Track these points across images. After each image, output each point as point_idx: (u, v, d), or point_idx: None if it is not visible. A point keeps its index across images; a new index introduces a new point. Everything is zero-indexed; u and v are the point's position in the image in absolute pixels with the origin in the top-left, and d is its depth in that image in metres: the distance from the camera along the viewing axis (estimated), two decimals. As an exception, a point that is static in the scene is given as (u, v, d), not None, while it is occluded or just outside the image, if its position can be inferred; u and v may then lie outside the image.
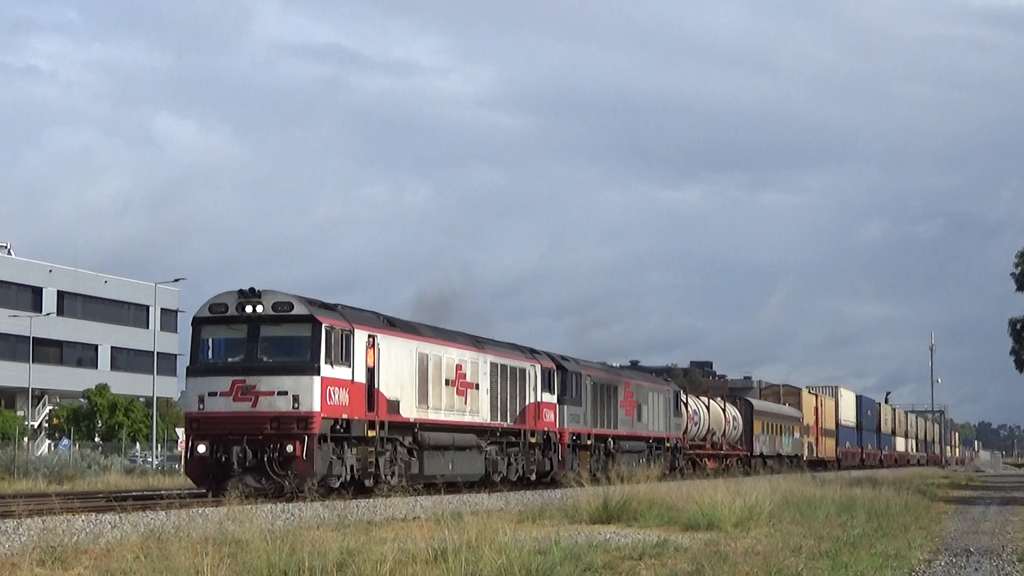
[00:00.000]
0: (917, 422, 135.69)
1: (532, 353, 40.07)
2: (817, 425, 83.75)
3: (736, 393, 76.75)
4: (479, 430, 35.09)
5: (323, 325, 27.59)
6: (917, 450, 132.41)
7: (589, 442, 43.21)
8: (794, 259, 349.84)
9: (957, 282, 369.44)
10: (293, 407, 26.91)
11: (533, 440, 38.76)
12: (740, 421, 65.40)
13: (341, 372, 28.04)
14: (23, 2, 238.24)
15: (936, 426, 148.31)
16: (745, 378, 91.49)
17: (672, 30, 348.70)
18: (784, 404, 78.57)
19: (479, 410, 35.14)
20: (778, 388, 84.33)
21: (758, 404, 71.14)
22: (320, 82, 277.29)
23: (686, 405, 56.45)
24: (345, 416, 28.02)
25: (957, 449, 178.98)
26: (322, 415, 27.10)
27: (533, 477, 38.73)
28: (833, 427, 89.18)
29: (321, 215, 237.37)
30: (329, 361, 27.58)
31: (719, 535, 21.53)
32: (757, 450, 67.26)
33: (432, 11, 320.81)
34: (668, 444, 52.16)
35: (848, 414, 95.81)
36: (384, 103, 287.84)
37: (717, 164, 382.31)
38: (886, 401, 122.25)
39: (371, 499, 26.80)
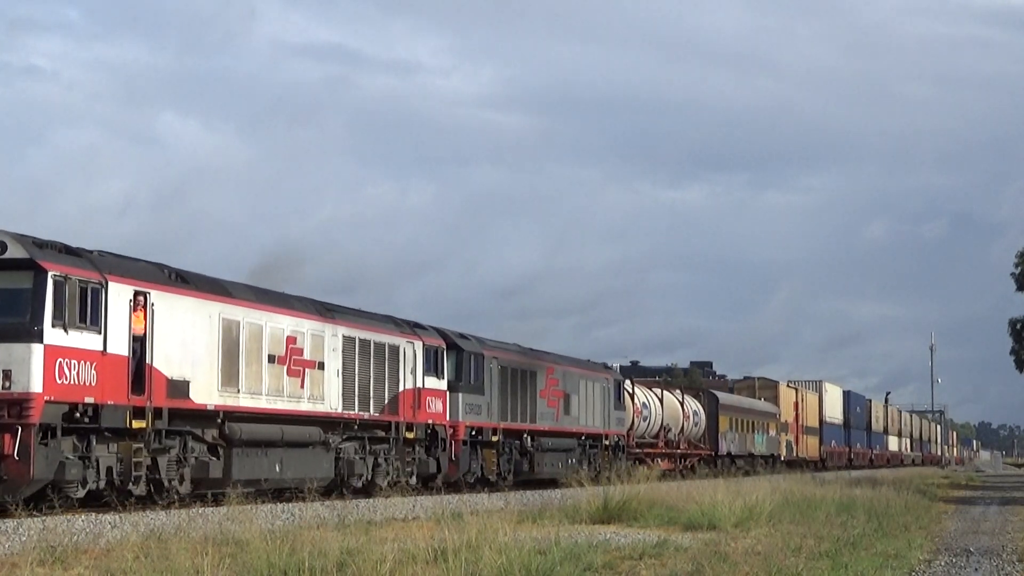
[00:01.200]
0: (912, 420, 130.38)
1: (413, 328, 32.81)
2: (797, 422, 76.94)
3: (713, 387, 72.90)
4: (327, 422, 27.92)
5: (50, 274, 20.53)
6: (912, 450, 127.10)
7: (496, 438, 36.28)
8: (796, 259, 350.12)
9: (959, 282, 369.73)
10: (3, 386, 20.09)
11: (412, 435, 31.39)
12: (702, 416, 58.73)
13: (84, 340, 21.08)
14: (23, 1, 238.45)
15: (933, 425, 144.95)
16: (745, 378, 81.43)
17: (674, 30, 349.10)
18: (759, 399, 71.70)
19: (325, 396, 27.70)
20: (753, 381, 76.77)
21: (725, 398, 64.40)
22: (322, 82, 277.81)
23: (632, 397, 49.48)
24: (91, 400, 21.10)
25: (955, 449, 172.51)
26: (46, 397, 20.20)
27: (414, 480, 31.21)
28: (816, 424, 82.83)
29: (325, 215, 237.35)
30: (62, 323, 20.58)
31: (719, 535, 21.52)
32: (723, 449, 60.51)
33: (433, 10, 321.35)
34: (607, 442, 45.10)
35: (834, 411, 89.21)
36: (387, 103, 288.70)
37: (719, 164, 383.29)
38: (886, 401, 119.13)
39: (371, 499, 26.79)
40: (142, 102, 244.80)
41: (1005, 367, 60.89)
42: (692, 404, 57.78)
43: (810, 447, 79.62)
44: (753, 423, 66.45)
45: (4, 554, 16.40)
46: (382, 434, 30.42)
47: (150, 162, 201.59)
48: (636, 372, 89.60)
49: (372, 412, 29.75)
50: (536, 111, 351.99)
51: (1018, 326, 58.66)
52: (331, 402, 28.04)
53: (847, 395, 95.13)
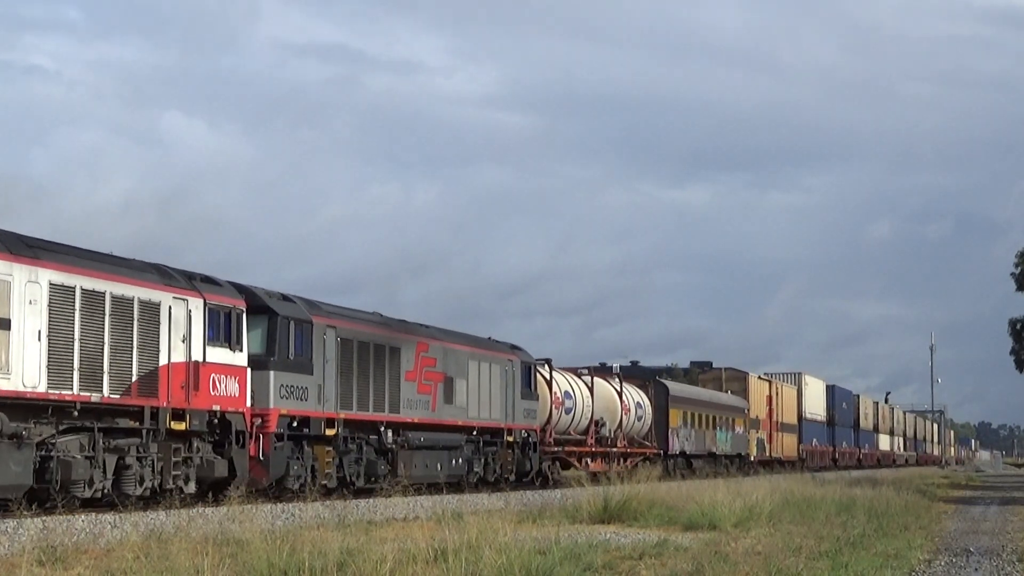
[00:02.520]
0: (906, 418, 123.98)
1: (191, 280, 24.75)
2: (771, 418, 69.23)
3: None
4: (19, 405, 20.11)
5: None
6: (906, 449, 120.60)
7: (332, 432, 28.10)
8: (798, 258, 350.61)
9: (961, 282, 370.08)
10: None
11: (182, 426, 23.61)
12: (648, 410, 50.32)
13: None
14: (24, 1, 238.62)
15: (928, 423, 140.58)
16: (710, 368, 74.60)
17: (676, 29, 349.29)
18: (726, 391, 64.28)
19: (11, 368, 19.80)
20: (719, 372, 68.11)
21: (677, 388, 56.24)
22: (326, 82, 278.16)
23: (549, 384, 40.96)
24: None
25: (953, 448, 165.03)
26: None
27: (192, 488, 23.84)
28: (795, 421, 75.24)
29: (329, 215, 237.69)
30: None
31: (719, 535, 21.53)
32: (675, 447, 52.49)
33: (435, 10, 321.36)
34: (511, 438, 37.20)
35: (815, 406, 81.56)
36: (390, 102, 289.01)
37: (721, 164, 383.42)
38: (886, 401, 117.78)
39: (371, 499, 26.80)
40: (145, 102, 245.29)
41: (1005, 367, 60.95)
42: (634, 395, 49.22)
43: (787, 446, 72.72)
44: (715, 418, 58.61)
45: (4, 554, 16.40)
46: (132, 424, 22.62)
47: (154, 162, 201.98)
48: (635, 372, 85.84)
49: (106, 393, 21.80)
50: (538, 110, 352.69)
51: (1018, 326, 58.67)
52: (25, 377, 20.12)
53: (831, 390, 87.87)
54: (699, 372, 68.61)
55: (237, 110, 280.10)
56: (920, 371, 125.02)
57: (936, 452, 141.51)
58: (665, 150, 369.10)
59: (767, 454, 67.92)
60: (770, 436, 68.79)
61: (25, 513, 18.43)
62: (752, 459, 63.65)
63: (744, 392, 65.44)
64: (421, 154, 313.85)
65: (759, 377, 69.40)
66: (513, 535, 16.26)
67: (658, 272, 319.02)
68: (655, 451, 50.09)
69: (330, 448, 28.32)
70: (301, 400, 27.12)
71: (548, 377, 41.07)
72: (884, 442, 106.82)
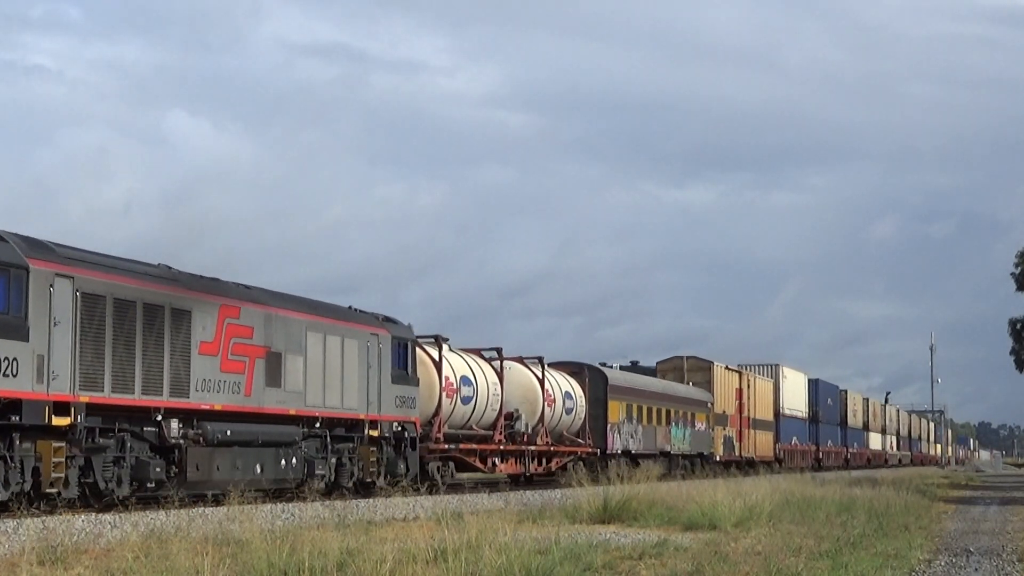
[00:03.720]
0: (899, 416, 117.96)
1: None
2: (741, 414, 62.47)
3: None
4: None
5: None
6: (900, 448, 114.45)
7: (66, 421, 20.78)
8: (800, 258, 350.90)
9: (963, 282, 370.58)
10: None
11: None
12: (581, 401, 43.35)
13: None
14: (25, 0, 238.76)
15: (924, 422, 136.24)
16: (671, 357, 63.76)
17: (678, 29, 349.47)
18: (687, 383, 57.54)
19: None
20: (680, 361, 59.67)
21: (619, 377, 48.37)
22: (329, 82, 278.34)
23: (439, 367, 33.65)
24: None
25: (950, 448, 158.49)
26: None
27: None
28: (771, 417, 68.64)
29: (333, 215, 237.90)
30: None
31: (719, 535, 21.54)
32: (615, 445, 45.35)
33: (436, 10, 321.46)
34: (377, 432, 29.75)
35: (795, 401, 74.91)
36: (392, 103, 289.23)
37: (724, 163, 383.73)
38: (886, 401, 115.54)
39: (371, 499, 26.81)
40: (149, 101, 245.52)
41: (1006, 367, 60.99)
42: (562, 384, 42.23)
43: (761, 444, 66.20)
44: (669, 413, 51.54)
45: (4, 554, 16.41)
46: None
47: (158, 162, 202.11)
48: (634, 372, 79.30)
49: None
50: (541, 110, 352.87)
51: (1018, 326, 58.72)
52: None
53: (814, 384, 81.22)
54: (661, 361, 59.98)
55: (241, 110, 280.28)
56: (921, 371, 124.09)
57: (933, 452, 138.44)
58: (667, 150, 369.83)
59: (736, 453, 61.38)
60: (740, 433, 62.32)
61: (25, 513, 18.45)
62: (717, 459, 57.16)
63: (708, 384, 58.60)
64: (424, 154, 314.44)
65: (727, 367, 61.89)
66: (513, 535, 16.27)
67: (660, 272, 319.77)
68: (589, 450, 43.26)
69: (62, 444, 20.84)
70: (5, 376, 19.70)
71: (437, 359, 33.90)
72: (875, 441, 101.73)
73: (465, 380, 35.55)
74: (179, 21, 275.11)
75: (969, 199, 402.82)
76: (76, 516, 19.40)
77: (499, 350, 39.21)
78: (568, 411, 42.40)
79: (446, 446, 34.31)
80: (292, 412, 26.87)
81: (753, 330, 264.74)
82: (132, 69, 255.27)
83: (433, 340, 34.48)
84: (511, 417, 38.19)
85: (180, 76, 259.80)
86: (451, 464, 35.04)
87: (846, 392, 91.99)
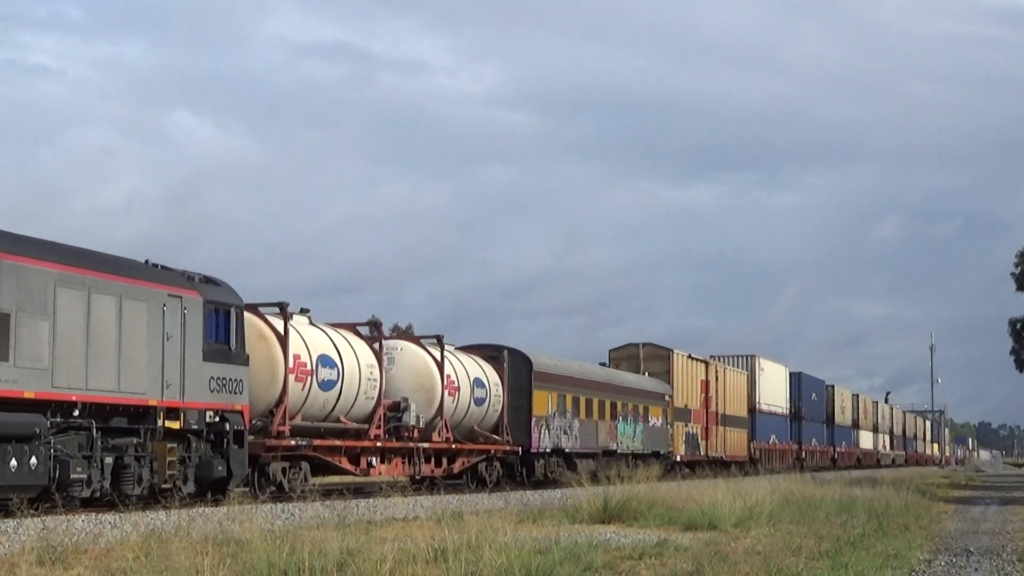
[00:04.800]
0: (893, 414, 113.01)
1: None
2: (708, 408, 56.83)
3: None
4: None
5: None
6: (893, 448, 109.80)
7: None
8: (802, 258, 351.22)
9: (964, 282, 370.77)
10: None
11: None
12: (497, 391, 37.25)
13: None
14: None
15: (921, 421, 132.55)
16: (626, 344, 56.19)
17: (680, 28, 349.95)
18: (643, 373, 51.59)
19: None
20: (636, 349, 53.53)
21: (547, 363, 40.94)
22: (332, 81, 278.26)
23: (283, 341, 27.17)
24: None
25: (948, 447, 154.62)
26: None
27: None
28: (745, 413, 63.31)
29: (336, 215, 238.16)
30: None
31: (719, 535, 21.54)
32: (541, 443, 39.13)
33: (437, 9, 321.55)
34: (178, 423, 23.48)
35: (774, 396, 69.26)
36: (395, 102, 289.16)
37: (726, 163, 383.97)
38: (886, 401, 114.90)
39: (371, 499, 26.81)
40: (152, 101, 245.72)
41: (1006, 367, 60.98)
42: (471, 369, 35.96)
43: (732, 443, 60.86)
44: (615, 406, 45.43)
45: (4, 554, 16.40)
46: None
47: (160, 161, 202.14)
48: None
49: None
50: (543, 110, 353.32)
51: (1018, 326, 58.77)
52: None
53: (796, 378, 75.37)
54: (615, 349, 54.15)
55: (244, 109, 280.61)
56: (922, 371, 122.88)
57: (930, 451, 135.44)
58: (669, 149, 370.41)
59: (702, 453, 55.56)
60: (706, 430, 56.62)
61: (25, 513, 18.44)
62: (678, 459, 51.33)
63: (667, 374, 52.56)
64: (427, 153, 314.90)
65: (689, 356, 55.73)
66: (513, 535, 16.25)
67: (663, 272, 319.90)
68: (506, 448, 37.18)
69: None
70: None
71: (282, 332, 27.40)
72: (866, 440, 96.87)
73: (326, 360, 28.69)
74: (180, 20, 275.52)
75: (971, 199, 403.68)
76: (76, 516, 19.41)
77: (376, 325, 32.34)
78: (479, 402, 35.93)
79: (292, 442, 27.23)
80: (28, 395, 20.09)
81: (755, 330, 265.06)
82: (134, 68, 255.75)
83: (277, 309, 27.68)
84: (397, 408, 31.50)
85: (183, 75, 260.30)
86: (305, 465, 28.08)
87: (833, 387, 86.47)
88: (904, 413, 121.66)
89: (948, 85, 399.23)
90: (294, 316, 28.55)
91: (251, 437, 25.88)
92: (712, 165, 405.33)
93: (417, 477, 32.60)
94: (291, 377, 27.53)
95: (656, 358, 53.24)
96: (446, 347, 34.98)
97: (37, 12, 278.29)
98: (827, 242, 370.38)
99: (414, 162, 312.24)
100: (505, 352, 38.87)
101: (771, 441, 68.15)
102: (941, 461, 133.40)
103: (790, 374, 74.29)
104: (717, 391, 58.65)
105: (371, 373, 30.61)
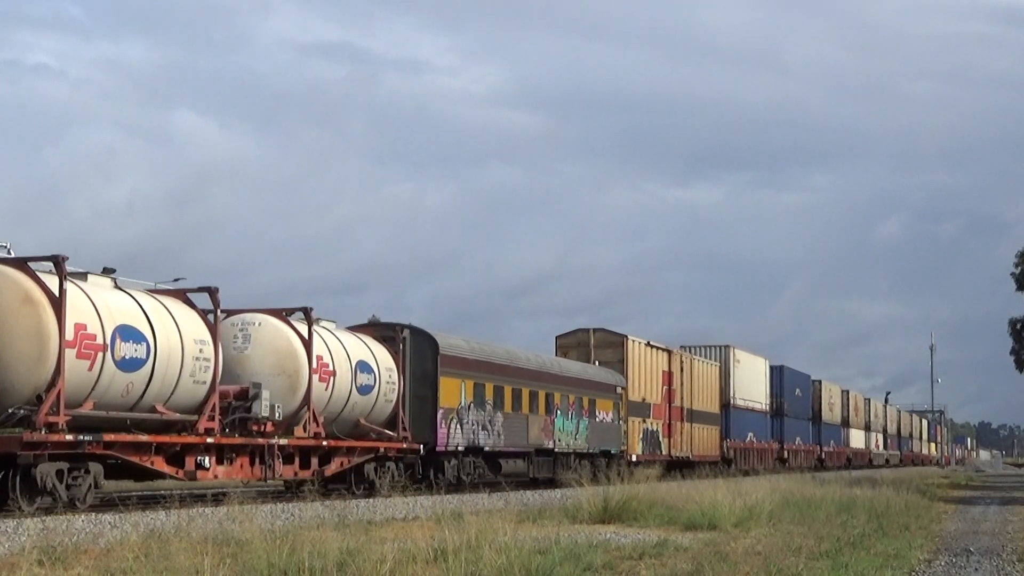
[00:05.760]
0: (887, 412, 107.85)
1: None
2: (671, 403, 50.98)
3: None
4: None
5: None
6: (887, 447, 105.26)
7: None
8: (804, 258, 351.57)
9: (965, 282, 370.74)
10: None
11: None
12: (392, 377, 31.00)
13: None
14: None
15: (917, 419, 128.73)
16: (576, 330, 49.24)
17: (682, 29, 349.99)
18: (593, 362, 45.94)
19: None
20: (585, 335, 47.36)
21: (457, 345, 34.75)
22: (332, 81, 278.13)
23: (58, 309, 20.88)
24: None
25: (946, 447, 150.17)
26: None
27: None
28: (716, 409, 57.85)
29: (340, 215, 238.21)
30: None
31: (719, 535, 21.54)
32: (451, 440, 33.32)
33: (438, 9, 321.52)
34: None
35: (751, 391, 63.59)
36: (398, 102, 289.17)
37: (727, 163, 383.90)
38: (886, 401, 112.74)
39: (371, 499, 26.80)
40: (154, 100, 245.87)
41: (1006, 367, 60.94)
42: (353, 350, 29.76)
43: (701, 441, 55.46)
44: (551, 398, 39.89)
45: (4, 554, 16.40)
46: None
47: (163, 161, 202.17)
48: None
49: None
50: (545, 110, 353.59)
51: (1018, 326, 58.76)
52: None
53: (777, 371, 69.77)
54: (563, 336, 48.32)
55: (247, 109, 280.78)
56: (923, 371, 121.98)
57: (926, 451, 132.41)
58: (671, 149, 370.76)
59: (664, 452, 49.86)
60: (668, 427, 50.77)
61: (25, 513, 18.44)
62: (634, 459, 45.75)
63: (620, 364, 46.55)
64: (430, 153, 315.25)
65: (648, 344, 49.55)
66: (513, 535, 16.25)
67: (665, 272, 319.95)
68: (400, 446, 31.05)
69: None
70: None
71: (56, 294, 21.04)
72: (857, 439, 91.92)
73: (128, 333, 22.56)
74: (180, 20, 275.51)
75: (973, 199, 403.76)
76: (76, 516, 19.40)
77: (211, 291, 25.06)
78: (364, 390, 29.89)
79: (68, 437, 21.02)
80: None
81: (757, 330, 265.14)
82: (136, 68, 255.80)
83: (51, 264, 21.31)
84: (245, 396, 25.93)
85: (185, 75, 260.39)
86: (95, 467, 22.06)
87: (820, 383, 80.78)
88: (899, 411, 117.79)
89: (949, 85, 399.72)
90: (89, 277, 22.77)
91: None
92: (714, 165, 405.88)
93: (271, 481, 27.34)
94: (70, 353, 21.20)
95: (608, 345, 47.16)
96: (324, 325, 29.43)
97: (37, 11, 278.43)
98: (829, 242, 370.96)
99: (417, 162, 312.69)
100: (405, 332, 32.62)
101: (748, 440, 63.00)
102: (940, 461, 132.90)
103: (771, 367, 68.88)
104: (682, 384, 52.92)
105: (201, 351, 24.22)
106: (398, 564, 14.27)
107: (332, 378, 28.82)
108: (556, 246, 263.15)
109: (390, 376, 31.17)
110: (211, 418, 24.66)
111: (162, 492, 28.02)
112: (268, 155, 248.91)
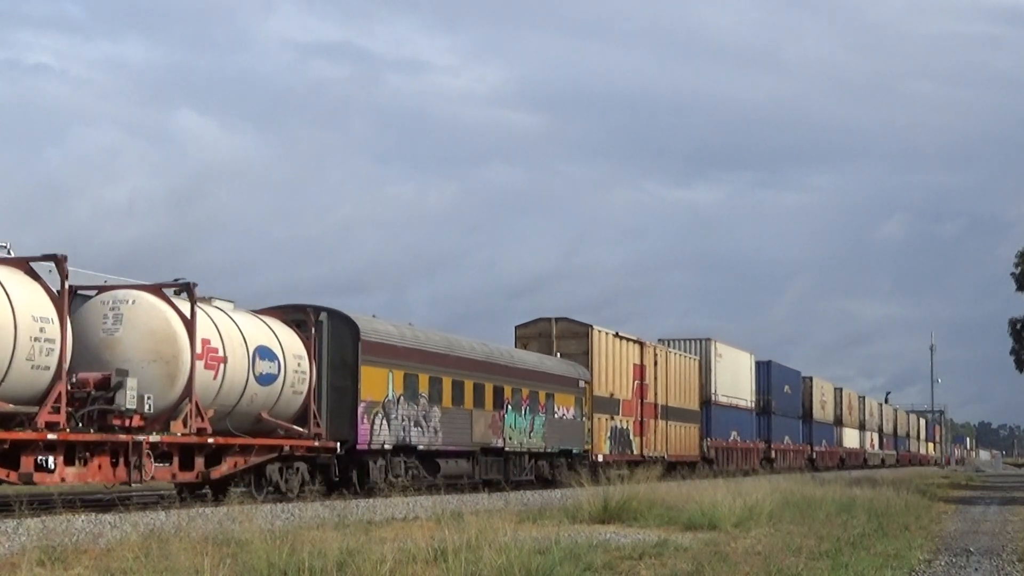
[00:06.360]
0: (883, 411, 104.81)
1: None
2: (643, 399, 47.38)
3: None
4: None
5: None
6: (883, 447, 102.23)
7: None
8: (805, 258, 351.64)
9: (966, 282, 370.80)
10: None
11: None
12: (302, 365, 27.16)
13: None
14: None
15: (914, 418, 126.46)
16: (536, 319, 44.82)
17: (683, 28, 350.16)
18: (556, 354, 42.31)
19: None
20: (547, 325, 43.58)
21: (384, 331, 30.70)
22: (334, 81, 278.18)
23: None
24: None
25: (944, 447, 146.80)
26: None
27: None
28: (696, 406, 54.46)
29: (342, 214, 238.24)
30: None
31: (719, 535, 21.54)
32: (376, 437, 29.36)
33: (438, 9, 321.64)
34: None
35: (735, 387, 60.27)
36: (400, 102, 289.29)
37: (728, 163, 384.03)
38: (886, 401, 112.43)
39: (371, 499, 26.79)
40: (155, 100, 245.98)
41: (1006, 367, 60.91)
42: (253, 333, 25.89)
43: (678, 440, 51.92)
44: (501, 392, 36.29)
45: (4, 554, 16.40)
46: None
47: (164, 161, 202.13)
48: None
49: None
50: (546, 109, 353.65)
51: (1018, 326, 58.72)
52: None
53: (764, 367, 66.36)
54: (522, 325, 44.39)
55: (248, 109, 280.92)
56: (924, 371, 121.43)
57: (924, 451, 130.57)
58: (672, 149, 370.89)
59: (635, 451, 46.33)
60: (640, 425, 47.18)
61: (25, 513, 18.45)
62: (600, 459, 42.60)
63: (586, 356, 43.13)
64: (432, 153, 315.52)
65: (616, 335, 45.93)
66: (513, 535, 16.26)
67: (666, 272, 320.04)
68: (315, 444, 27.46)
69: None
70: None
71: None
72: (851, 438, 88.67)
73: None
74: (180, 19, 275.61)
75: (974, 199, 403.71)
76: (76, 516, 19.40)
77: (58, 259, 21.35)
78: (265, 379, 25.89)
79: None
80: None
81: (758, 330, 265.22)
82: (137, 68, 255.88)
83: None
84: (106, 385, 22.01)
85: (186, 75, 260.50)
86: None
87: (811, 379, 77.22)
88: (895, 410, 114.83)
89: (951, 85, 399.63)
90: None
91: None
92: (715, 165, 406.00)
93: (138, 484, 22.91)
94: None
95: (572, 336, 43.41)
96: (217, 304, 25.69)
97: (37, 11, 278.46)
98: (829, 242, 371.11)
99: (418, 162, 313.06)
100: (322, 315, 29.05)
101: (731, 439, 59.42)
102: (940, 461, 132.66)
103: (757, 363, 65.23)
104: (656, 378, 49.30)
105: (42, 330, 20.67)
106: (398, 564, 14.27)
107: (222, 365, 24.77)
108: (557, 246, 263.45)
109: (299, 364, 27.20)
110: (55, 410, 20.59)
111: (161, 492, 28.05)
112: (269, 155, 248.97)
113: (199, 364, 23.94)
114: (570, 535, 19.59)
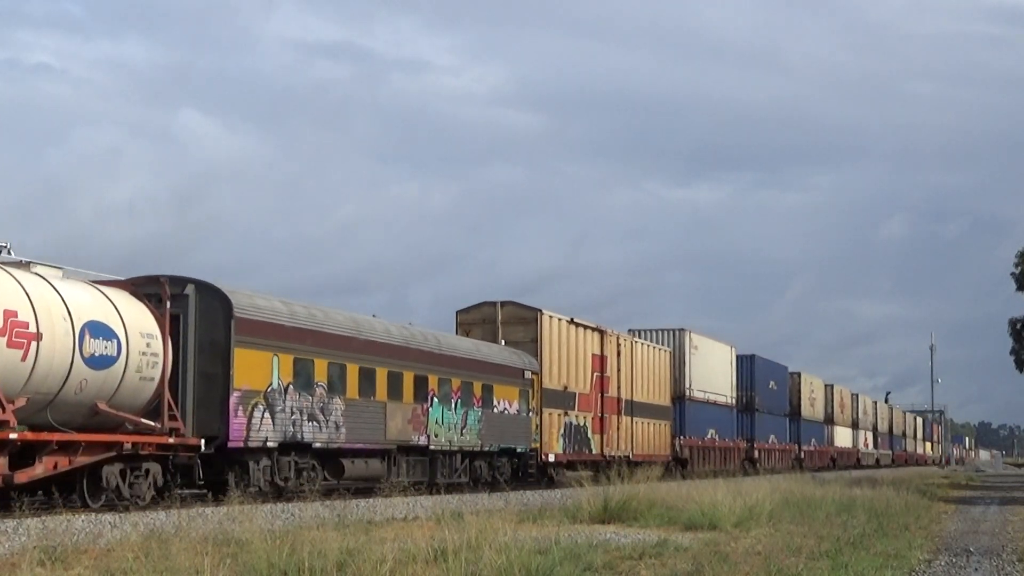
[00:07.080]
0: (878, 409, 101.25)
1: None
2: (603, 392, 43.43)
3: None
4: None
5: None
6: (878, 446, 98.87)
7: None
8: (805, 258, 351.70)
9: (966, 282, 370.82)
10: None
11: None
12: (147, 346, 22.58)
13: None
14: None
15: (912, 418, 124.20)
16: (481, 303, 40.52)
17: (684, 28, 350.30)
18: (501, 341, 38.61)
19: None
20: (491, 310, 39.68)
21: (262, 305, 26.36)
22: (335, 81, 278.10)
23: None
24: None
25: (942, 446, 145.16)
26: None
27: None
28: (667, 401, 50.45)
29: (344, 214, 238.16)
30: None
31: (719, 535, 21.54)
32: (251, 434, 25.27)
33: (438, 8, 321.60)
34: None
35: (714, 382, 56.28)
36: (401, 102, 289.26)
37: (729, 163, 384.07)
38: (886, 401, 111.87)
39: (371, 499, 26.79)
40: (157, 100, 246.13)
41: (1006, 367, 60.91)
42: (84, 306, 21.46)
43: (646, 438, 47.91)
44: (426, 382, 32.38)
45: (4, 554, 16.40)
46: None
47: (167, 161, 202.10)
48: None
49: None
50: (546, 109, 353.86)
51: (1018, 326, 58.72)
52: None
53: (747, 361, 62.35)
54: (464, 310, 40.33)
55: (250, 109, 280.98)
56: (924, 371, 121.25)
57: (921, 451, 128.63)
58: (673, 149, 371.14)
59: (595, 451, 42.67)
60: (600, 422, 43.25)
61: (25, 513, 18.45)
62: (551, 459, 39.32)
63: (535, 344, 39.10)
64: (432, 154, 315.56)
65: (571, 322, 41.90)
66: (513, 535, 16.26)
67: (667, 272, 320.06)
68: (169, 441, 23.09)
69: None
70: None
71: None
72: (843, 437, 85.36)
73: None
74: (180, 19, 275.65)
75: (974, 199, 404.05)
76: (76, 516, 19.40)
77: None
78: (100, 361, 21.60)
79: None
80: None
81: (759, 330, 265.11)
82: (138, 68, 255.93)
83: None
84: None
85: (188, 75, 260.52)
86: None
87: (799, 375, 73.70)
88: (891, 409, 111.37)
89: (951, 85, 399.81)
90: None
91: None
92: (716, 165, 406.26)
93: None
94: None
95: (519, 322, 39.25)
96: (37, 271, 21.55)
97: (37, 11, 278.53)
98: (830, 242, 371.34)
99: (419, 162, 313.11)
100: (188, 287, 24.96)
101: (708, 437, 55.72)
102: (940, 461, 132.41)
103: (739, 356, 61.08)
104: (620, 370, 45.23)
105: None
106: (398, 564, 14.26)
107: (35, 343, 20.22)
108: (558, 246, 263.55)
109: (148, 345, 22.69)
110: None
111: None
112: (271, 155, 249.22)
113: (0, 341, 19.60)
114: (570, 535, 19.59)
